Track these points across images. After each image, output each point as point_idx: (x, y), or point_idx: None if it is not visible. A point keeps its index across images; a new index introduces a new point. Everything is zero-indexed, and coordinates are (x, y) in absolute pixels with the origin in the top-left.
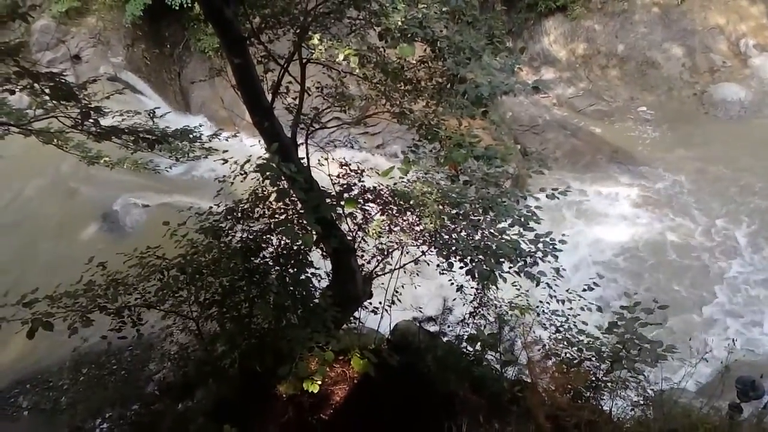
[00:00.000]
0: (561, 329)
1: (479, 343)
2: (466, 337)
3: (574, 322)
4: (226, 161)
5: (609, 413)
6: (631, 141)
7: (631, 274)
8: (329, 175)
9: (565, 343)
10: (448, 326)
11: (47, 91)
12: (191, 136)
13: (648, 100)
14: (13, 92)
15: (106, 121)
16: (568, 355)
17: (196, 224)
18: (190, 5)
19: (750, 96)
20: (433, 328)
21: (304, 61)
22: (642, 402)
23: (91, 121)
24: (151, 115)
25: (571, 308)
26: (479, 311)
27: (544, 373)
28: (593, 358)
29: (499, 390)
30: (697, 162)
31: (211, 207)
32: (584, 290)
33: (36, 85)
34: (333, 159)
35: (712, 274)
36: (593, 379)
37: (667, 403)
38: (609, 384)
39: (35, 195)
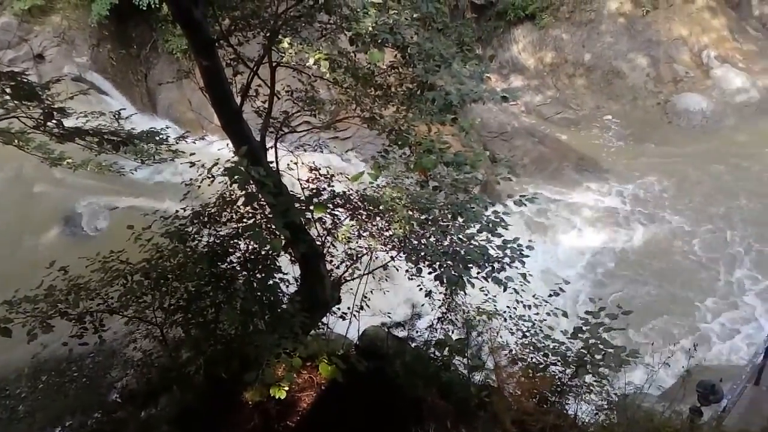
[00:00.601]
0: (527, 334)
1: (447, 349)
2: (434, 342)
3: (540, 327)
4: (193, 164)
5: (574, 417)
6: (597, 148)
7: (594, 280)
8: (298, 179)
9: (532, 348)
10: (417, 332)
11: (8, 90)
12: (157, 138)
13: (613, 108)
14: None
15: (69, 122)
16: (534, 360)
17: (161, 228)
18: (157, 6)
19: (711, 106)
20: (401, 333)
21: (274, 64)
22: (606, 406)
23: (54, 121)
24: (116, 116)
25: (537, 313)
26: (447, 316)
27: (510, 378)
28: (559, 363)
29: (466, 395)
30: (660, 169)
31: (177, 211)
32: (550, 296)
33: None
34: (302, 163)
35: (673, 277)
36: (558, 383)
37: (630, 408)
38: (574, 388)
39: None
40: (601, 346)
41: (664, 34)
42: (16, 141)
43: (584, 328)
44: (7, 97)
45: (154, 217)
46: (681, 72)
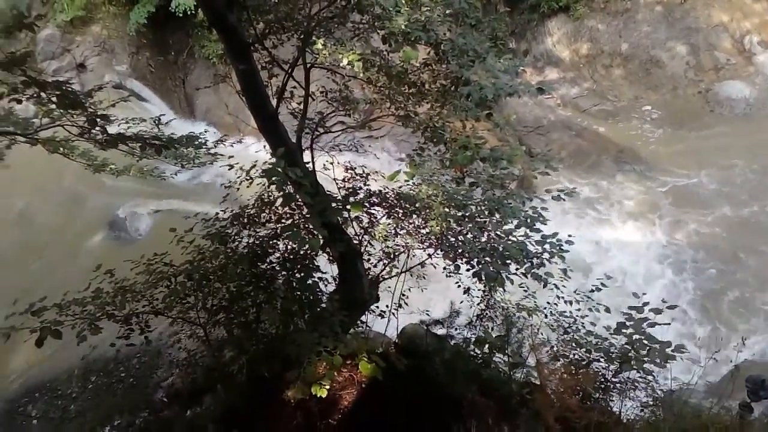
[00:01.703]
0: (569, 330)
1: (487, 346)
2: (473, 339)
3: (582, 323)
4: (231, 167)
5: (618, 414)
6: (637, 140)
7: (637, 274)
8: (335, 179)
9: (574, 344)
10: (456, 329)
11: (54, 99)
12: (196, 142)
13: (653, 99)
14: (19, 101)
15: (112, 129)
16: (576, 356)
17: (202, 230)
18: (193, 12)
19: (755, 93)
20: (440, 331)
21: (308, 65)
22: (652, 403)
23: (97, 129)
24: (157, 122)
25: (578, 309)
26: (486, 313)
27: (552, 374)
28: (602, 359)
29: (507, 392)
30: (703, 160)
31: (217, 213)
32: (591, 291)
33: (42, 94)
34: (338, 163)
35: (720, 272)
36: (602, 380)
37: (677, 404)
38: (618, 385)
39: (42, 204)
40: (645, 342)
41: (704, 20)
42: (61, 149)
43: (628, 323)
44: (53, 106)
45: (195, 219)
46: (722, 59)
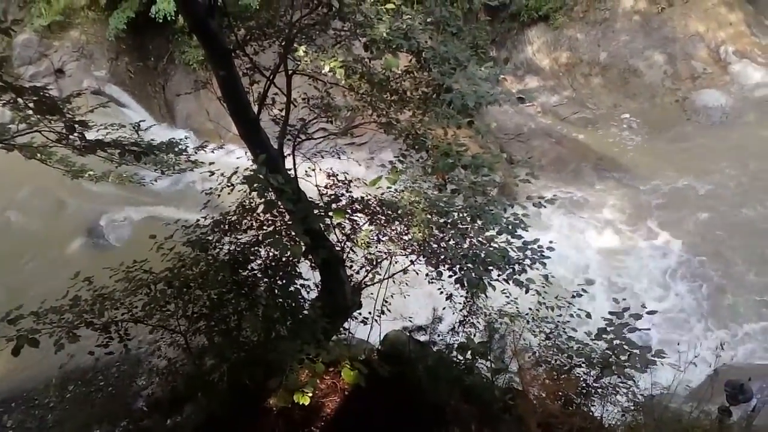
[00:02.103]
0: (550, 336)
1: (469, 352)
2: (456, 345)
3: (564, 328)
4: (212, 173)
5: (600, 419)
6: (616, 148)
7: (616, 280)
8: (317, 185)
9: (555, 350)
10: (438, 335)
11: (31, 105)
12: (177, 148)
13: (631, 107)
14: None
15: (91, 135)
16: (558, 361)
17: (182, 237)
18: (174, 18)
19: (731, 102)
20: (423, 337)
21: (290, 72)
22: (633, 407)
23: (75, 135)
24: (136, 128)
25: (560, 315)
26: (469, 320)
27: (534, 380)
28: (583, 365)
29: (490, 398)
30: (681, 167)
31: (198, 220)
32: (573, 297)
33: (19, 99)
34: (320, 170)
35: (699, 277)
36: (584, 385)
37: (657, 408)
38: (599, 390)
39: (19, 211)
40: (626, 347)
41: (681, 30)
42: (39, 155)
43: (608, 328)
44: (30, 112)
45: (175, 226)
46: (699, 68)
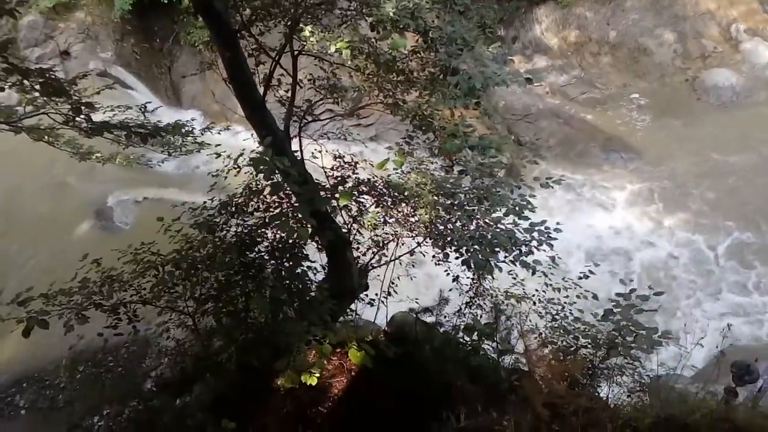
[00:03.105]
0: (557, 317)
1: (476, 333)
2: (462, 327)
3: (570, 310)
4: (219, 155)
5: (606, 400)
6: (625, 128)
7: (625, 262)
8: (323, 167)
9: (562, 331)
10: (445, 317)
11: (37, 87)
12: (183, 130)
13: (640, 86)
14: (2, 89)
15: (97, 117)
16: (564, 343)
17: (190, 219)
18: None
19: (741, 81)
20: (429, 318)
21: (296, 53)
22: (639, 388)
23: (82, 116)
24: (143, 109)
25: (566, 296)
26: (475, 301)
27: (540, 361)
28: (589, 346)
29: (496, 379)
30: (690, 149)
31: (205, 202)
32: (580, 278)
33: (26, 81)
34: (327, 151)
35: (704, 259)
36: (590, 366)
37: (663, 389)
38: (605, 371)
39: (27, 193)
40: (632, 328)
41: (691, 8)
42: (46, 137)
43: (615, 310)
44: (36, 94)
45: (182, 208)
46: (709, 47)
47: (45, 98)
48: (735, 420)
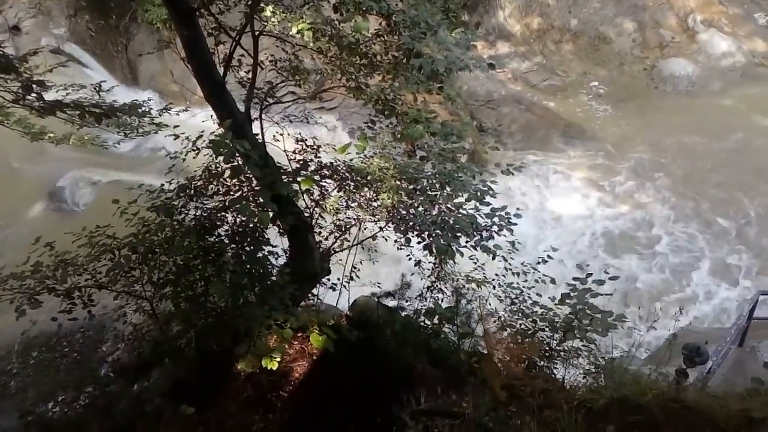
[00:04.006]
0: (516, 301)
1: (437, 317)
2: (424, 311)
3: (529, 294)
4: (177, 137)
5: (562, 381)
6: (584, 115)
7: (582, 247)
8: (285, 151)
9: (520, 314)
10: (407, 301)
11: None
12: (140, 110)
13: (600, 74)
14: None
15: (49, 96)
16: (522, 326)
17: (147, 202)
18: None
19: (697, 71)
20: (391, 303)
21: (257, 33)
22: (594, 370)
23: (33, 95)
24: (97, 88)
25: (525, 281)
26: (437, 285)
27: (499, 344)
28: (547, 329)
29: (456, 362)
30: (646, 135)
31: (162, 184)
32: (538, 263)
33: None
34: (288, 134)
35: (659, 244)
36: (547, 349)
37: (617, 371)
38: (562, 353)
39: None
40: (588, 312)
41: None
42: None
43: (572, 294)
44: None
45: (139, 191)
46: (667, 37)
47: None
48: (685, 400)
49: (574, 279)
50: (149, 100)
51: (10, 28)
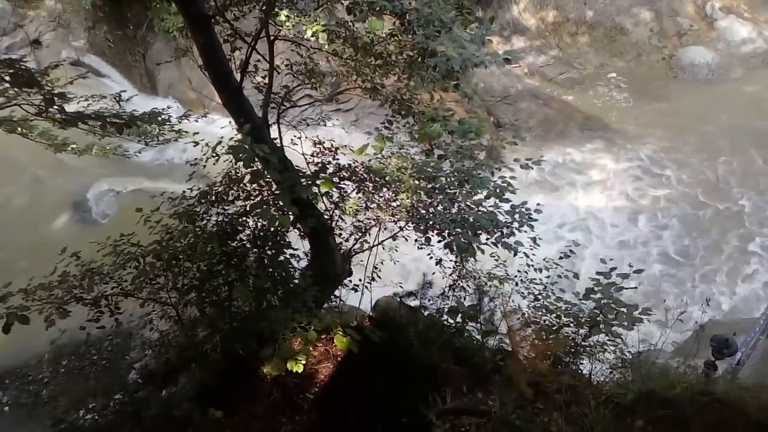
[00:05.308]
0: (539, 297)
1: (460, 315)
2: (446, 309)
3: (552, 289)
4: (197, 144)
5: (589, 377)
6: (603, 108)
7: (605, 240)
8: (303, 154)
9: (544, 310)
10: (429, 300)
11: (7, 78)
12: (160, 118)
13: (618, 66)
14: None
15: (71, 107)
16: (546, 322)
17: (169, 209)
18: None
19: (717, 58)
20: (413, 302)
21: (272, 38)
22: (620, 365)
23: (55, 107)
24: (117, 98)
25: (548, 276)
26: (458, 283)
27: (524, 341)
28: (571, 324)
29: (480, 360)
30: (667, 125)
31: (184, 191)
32: (560, 258)
33: None
34: (306, 138)
35: (683, 236)
36: (572, 344)
37: (644, 365)
38: (588, 349)
39: (2, 187)
40: (613, 306)
41: None
42: (19, 129)
43: (596, 288)
44: (7, 85)
45: (161, 198)
46: (685, 25)
47: (16, 89)
48: (714, 393)
49: (598, 273)
50: (168, 108)
51: (31, 42)
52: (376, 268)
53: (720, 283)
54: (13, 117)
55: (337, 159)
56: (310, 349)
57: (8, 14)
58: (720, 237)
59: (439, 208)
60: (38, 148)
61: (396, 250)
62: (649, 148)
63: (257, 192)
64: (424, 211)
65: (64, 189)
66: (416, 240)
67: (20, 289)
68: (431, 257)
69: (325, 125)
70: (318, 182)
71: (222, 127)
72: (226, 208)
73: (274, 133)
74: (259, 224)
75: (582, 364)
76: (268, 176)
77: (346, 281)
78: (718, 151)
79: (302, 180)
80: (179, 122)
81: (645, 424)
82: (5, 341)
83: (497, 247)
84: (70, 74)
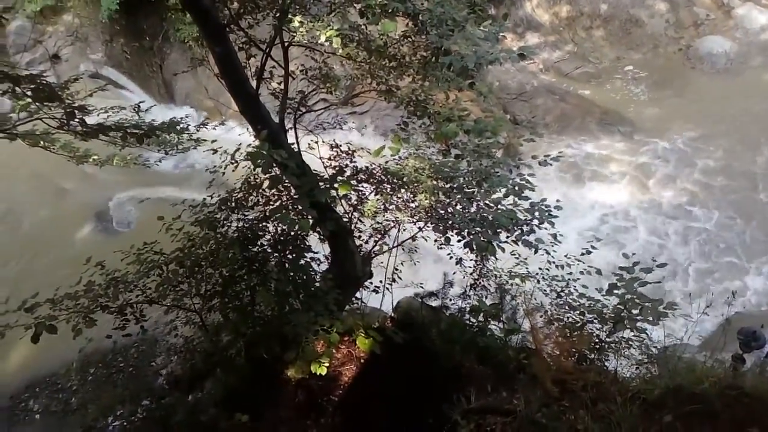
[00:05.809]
0: (562, 294)
1: (482, 314)
2: (468, 309)
3: (575, 286)
4: (215, 151)
5: (614, 373)
6: (621, 101)
7: (627, 235)
8: (320, 158)
9: (567, 307)
10: (450, 300)
11: (29, 93)
12: (178, 127)
13: (634, 58)
14: None
15: (91, 119)
16: (570, 319)
17: (190, 217)
18: None
19: (735, 47)
20: (435, 302)
21: (286, 44)
22: (646, 360)
23: (76, 120)
24: (136, 109)
25: (570, 273)
26: (480, 282)
27: (547, 338)
28: (595, 321)
29: (504, 359)
30: (686, 117)
31: (204, 199)
32: (582, 254)
33: (17, 88)
34: (323, 142)
35: (705, 231)
36: (597, 341)
37: (671, 360)
38: (613, 345)
39: (27, 199)
40: (637, 301)
41: None
42: (41, 142)
43: (619, 284)
44: (29, 100)
45: (182, 206)
46: (701, 15)
47: (38, 104)
48: (743, 386)
49: (621, 268)
50: (186, 116)
51: (50, 57)
52: (396, 269)
53: (746, 278)
54: (35, 131)
55: (355, 162)
56: (333, 351)
57: (28, 31)
58: (745, 231)
59: (458, 207)
60: (60, 161)
61: (416, 251)
62: (669, 138)
63: (276, 197)
64: (442, 211)
65: (87, 200)
66: (436, 240)
67: (47, 299)
68: (451, 257)
69: (342, 128)
70: (336, 185)
71: (240, 134)
72: (246, 213)
73: (291, 138)
74: (279, 229)
75: (607, 360)
76: (287, 181)
77: (367, 283)
78: (741, 139)
79: (320, 184)
80: (197, 130)
81: (673, 419)
82: (35, 351)
83: (517, 245)
84: (90, 87)
